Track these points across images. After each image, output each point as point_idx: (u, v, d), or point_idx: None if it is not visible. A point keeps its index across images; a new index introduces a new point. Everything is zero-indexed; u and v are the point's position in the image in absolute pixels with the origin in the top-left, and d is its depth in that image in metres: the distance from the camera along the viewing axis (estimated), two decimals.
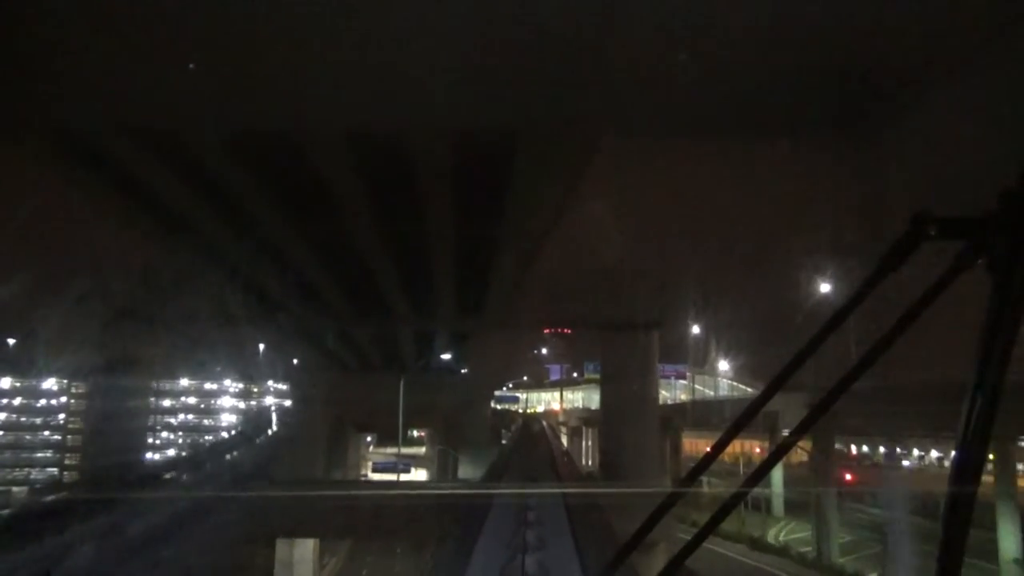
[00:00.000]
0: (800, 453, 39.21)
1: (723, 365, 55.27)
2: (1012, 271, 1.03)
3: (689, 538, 1.32)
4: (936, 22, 10.36)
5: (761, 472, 1.64)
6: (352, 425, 47.34)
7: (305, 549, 32.57)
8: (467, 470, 42.82)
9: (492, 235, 20.10)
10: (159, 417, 65.04)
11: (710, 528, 1.38)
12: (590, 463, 63.93)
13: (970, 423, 1.05)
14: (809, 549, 32.28)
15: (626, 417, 34.72)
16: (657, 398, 39.70)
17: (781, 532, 36.85)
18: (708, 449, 1.50)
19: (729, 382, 56.73)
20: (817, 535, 31.61)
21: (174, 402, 68.10)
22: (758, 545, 33.39)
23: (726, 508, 1.43)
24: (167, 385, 66.01)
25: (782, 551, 32.68)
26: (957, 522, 1.06)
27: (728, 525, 32.56)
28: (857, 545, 32.42)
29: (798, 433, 1.43)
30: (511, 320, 36.28)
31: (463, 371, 48.46)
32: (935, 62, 11.34)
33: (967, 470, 1.06)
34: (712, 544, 30.21)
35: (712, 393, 57.36)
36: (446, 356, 41.75)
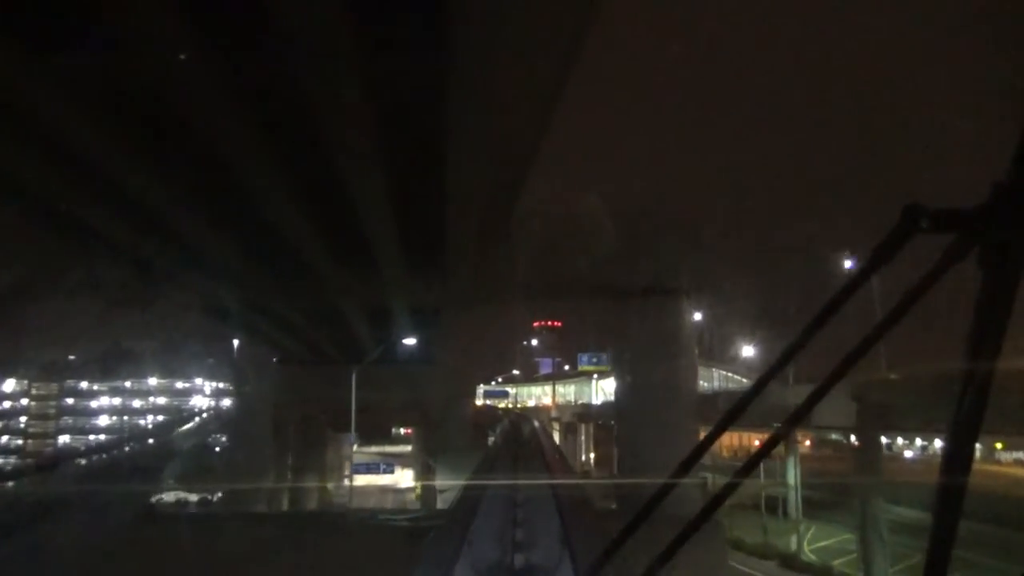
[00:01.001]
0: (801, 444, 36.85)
1: (746, 351, 47.01)
2: (1003, 264, 1.06)
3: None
4: None
5: (752, 464, 1.50)
6: (329, 424, 44.80)
7: None
8: (444, 478, 39.20)
9: (458, 167, 15.06)
10: (127, 419, 63.67)
11: (701, 520, 1.38)
12: (584, 459, 63.10)
13: (960, 415, 1.09)
14: (843, 561, 27.48)
15: (648, 412, 26.83)
16: (694, 386, 30.99)
17: (805, 539, 32.03)
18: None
19: (724, 374, 55.37)
20: (864, 550, 25.92)
21: (143, 403, 66.77)
22: (792, 563, 28.13)
23: (718, 500, 1.41)
24: (135, 385, 64.74)
25: (823, 572, 27.11)
26: (947, 513, 1.11)
27: (752, 537, 29.74)
28: (895, 554, 26.75)
29: (791, 424, 1.42)
30: (493, 291, 28.62)
31: (447, 364, 45.45)
32: None
33: (957, 462, 1.10)
34: (734, 560, 27.04)
35: (707, 385, 56.07)
36: (421, 347, 37.12)
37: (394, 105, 12.67)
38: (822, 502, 34.86)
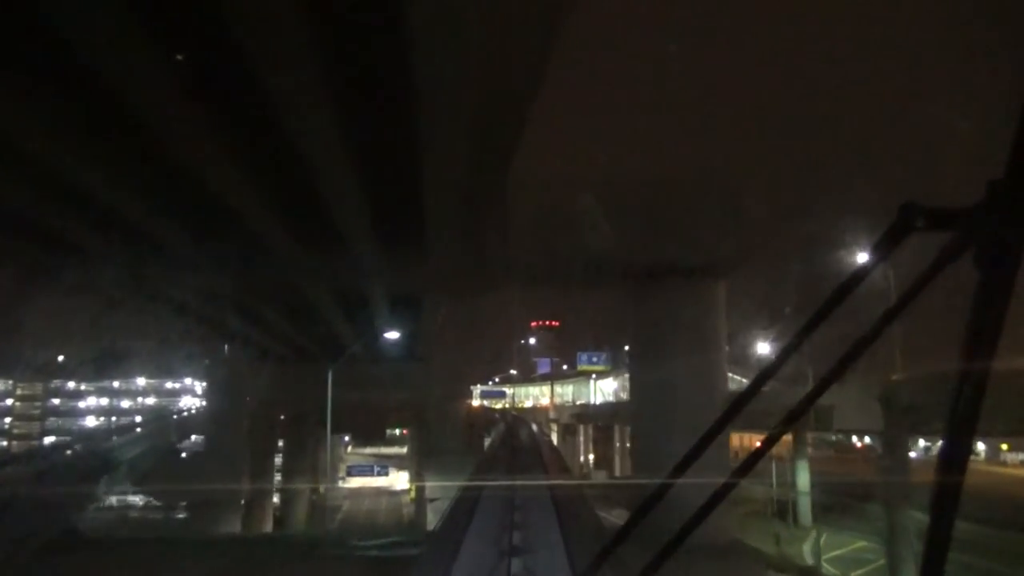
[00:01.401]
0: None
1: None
2: (998, 262, 1.07)
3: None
4: None
5: (748, 464, 1.52)
6: (318, 424, 43.40)
7: None
8: (431, 489, 35.92)
9: (439, 120, 12.72)
10: (113, 420, 63.01)
11: (696, 521, 1.42)
12: (582, 460, 62.64)
13: (956, 414, 1.10)
14: (863, 572, 25.77)
15: (671, 413, 22.70)
16: (724, 383, 26.95)
17: (819, 548, 29.31)
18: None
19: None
20: (892, 563, 23.69)
21: (132, 403, 66.21)
22: None
23: (713, 501, 1.45)
24: (124, 385, 64.19)
25: None
26: (944, 513, 1.12)
27: (764, 547, 27.80)
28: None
29: (786, 424, 1.45)
30: (486, 276, 23.65)
31: (437, 362, 43.68)
32: None
33: (954, 461, 1.12)
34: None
35: None
36: (411, 344, 34.78)
37: (359, 48, 10.78)
38: (830, 506, 32.84)
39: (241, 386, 36.15)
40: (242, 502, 37.28)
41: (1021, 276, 1.09)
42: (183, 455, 39.21)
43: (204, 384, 57.73)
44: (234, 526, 34.19)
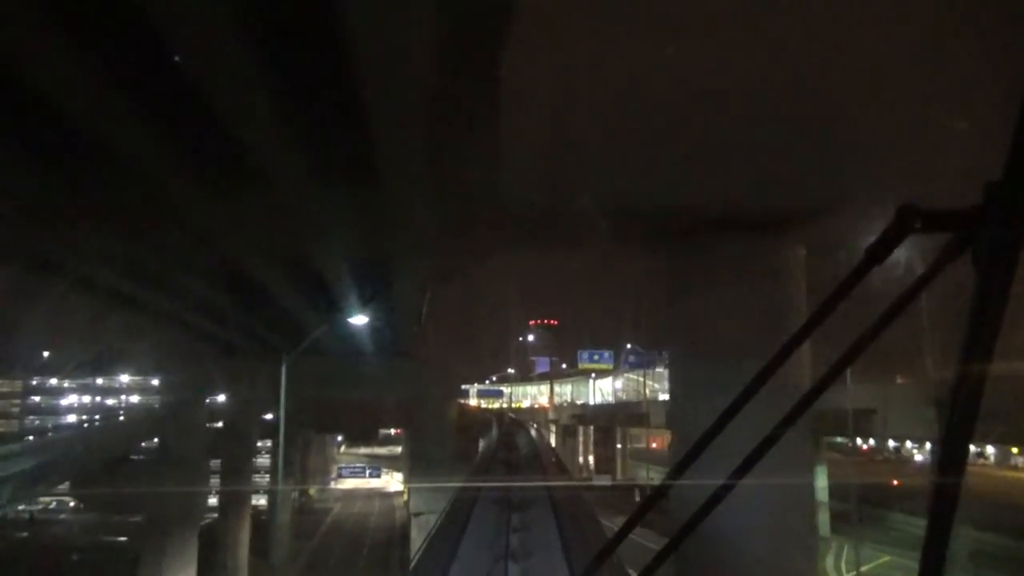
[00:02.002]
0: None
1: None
2: (996, 264, 1.10)
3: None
4: None
5: (747, 465, 1.48)
6: (305, 424, 41.57)
7: None
8: (417, 501, 33.99)
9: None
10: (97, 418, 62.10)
11: (695, 522, 1.43)
12: (581, 461, 61.83)
13: (955, 415, 1.13)
14: None
15: (720, 415, 11.02)
16: (801, 374, 12.53)
17: (842, 562, 27.30)
18: None
19: None
20: None
21: (116, 401, 65.38)
22: None
23: (712, 502, 1.44)
24: (107, 382, 63.39)
25: None
26: (943, 513, 1.15)
27: None
28: None
29: (784, 425, 1.44)
30: (474, 230, 18.09)
31: (425, 358, 40.90)
32: None
33: (952, 462, 1.14)
34: None
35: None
36: (389, 337, 31.61)
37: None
38: (844, 514, 31.32)
39: (201, 383, 34.00)
40: (214, 502, 35.41)
41: (1020, 276, 1.08)
42: (136, 459, 36.14)
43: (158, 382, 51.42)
44: (190, 544, 31.62)
